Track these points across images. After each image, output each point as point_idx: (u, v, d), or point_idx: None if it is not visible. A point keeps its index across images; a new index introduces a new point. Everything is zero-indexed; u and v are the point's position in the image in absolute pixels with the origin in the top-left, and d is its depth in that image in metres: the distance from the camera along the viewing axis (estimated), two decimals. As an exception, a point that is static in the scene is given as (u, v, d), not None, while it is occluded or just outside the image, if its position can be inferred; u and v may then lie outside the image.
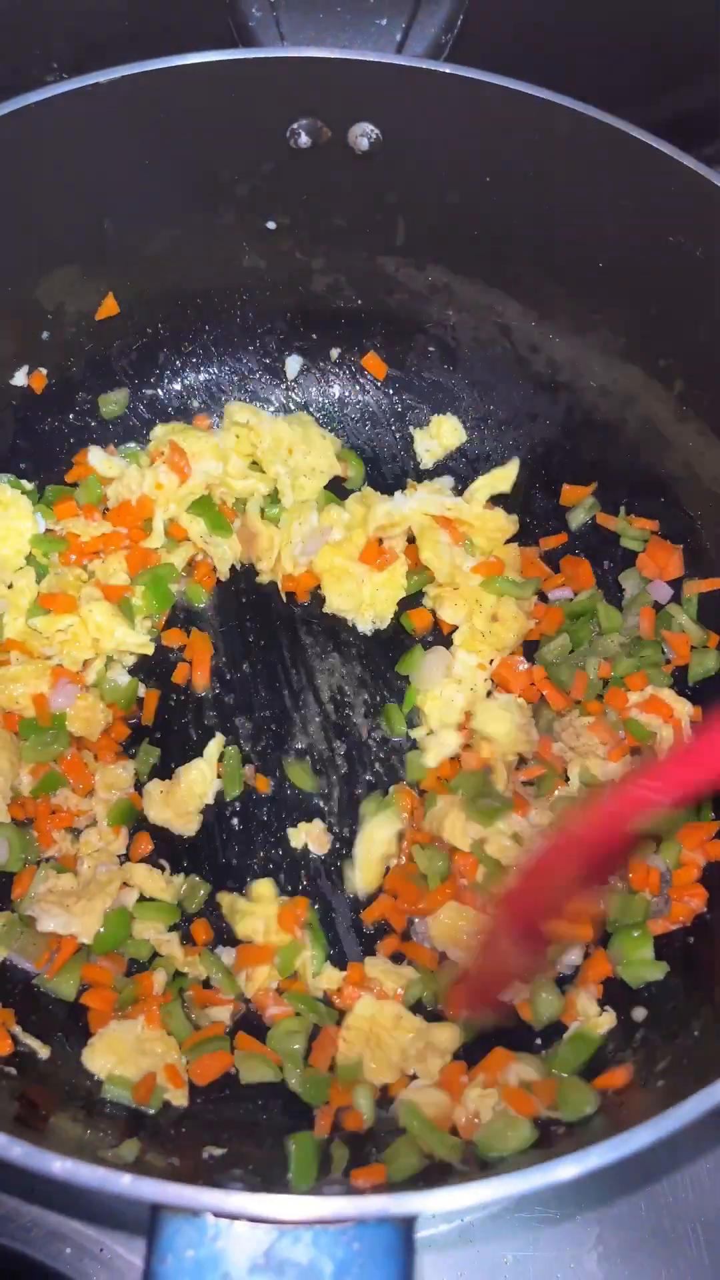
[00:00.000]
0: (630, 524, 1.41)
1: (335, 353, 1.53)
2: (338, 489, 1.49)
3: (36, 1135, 0.74)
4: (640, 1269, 1.12)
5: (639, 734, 1.26)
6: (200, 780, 1.27)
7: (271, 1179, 0.88)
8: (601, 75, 1.25)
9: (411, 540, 1.43)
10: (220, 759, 1.31)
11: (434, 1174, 0.91)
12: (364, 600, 1.41)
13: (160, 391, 1.51)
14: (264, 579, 1.44)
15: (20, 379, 1.40)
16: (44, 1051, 1.08)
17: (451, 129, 1.27)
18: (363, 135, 1.29)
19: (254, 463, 1.46)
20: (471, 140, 1.27)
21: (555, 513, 1.47)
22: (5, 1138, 0.73)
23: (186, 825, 1.27)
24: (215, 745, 1.31)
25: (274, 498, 1.46)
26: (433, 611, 1.42)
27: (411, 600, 1.43)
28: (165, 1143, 0.98)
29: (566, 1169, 0.74)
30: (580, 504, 1.45)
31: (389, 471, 1.52)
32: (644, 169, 1.19)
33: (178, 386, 1.52)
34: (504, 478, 1.46)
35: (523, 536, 1.44)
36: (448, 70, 1.23)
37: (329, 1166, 0.94)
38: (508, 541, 1.43)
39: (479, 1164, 0.92)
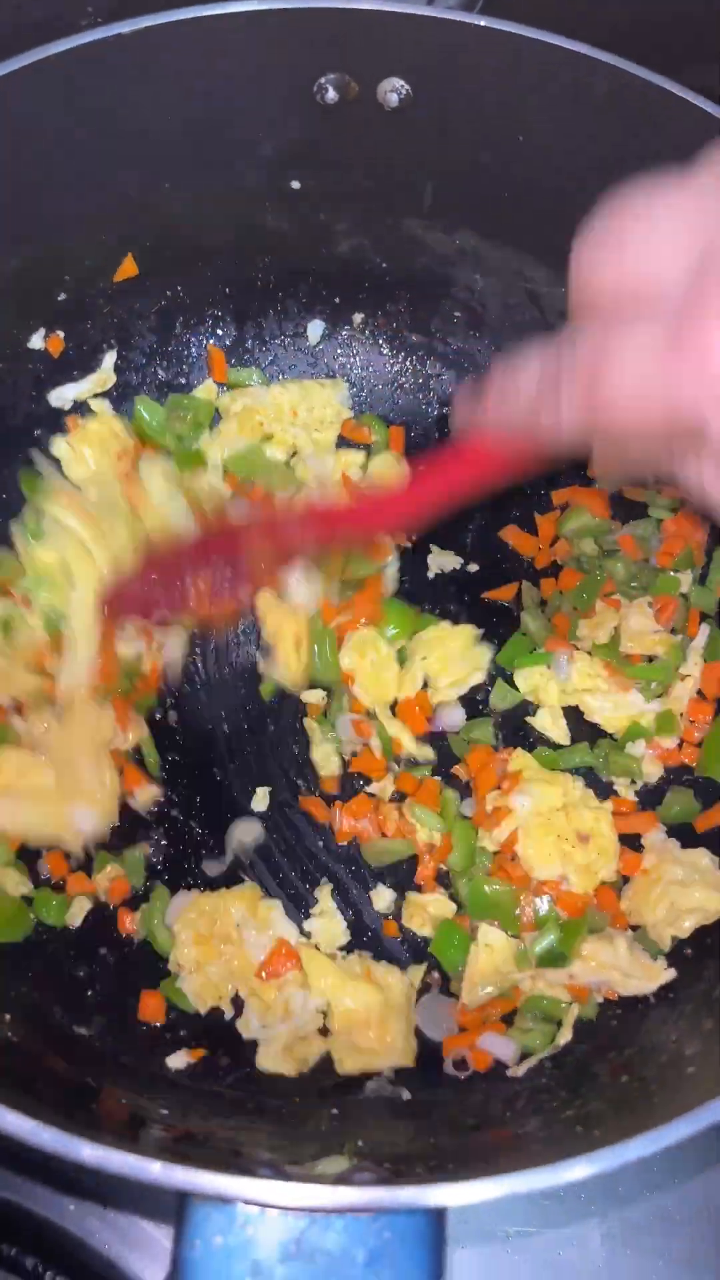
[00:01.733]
0: (659, 494, 1.39)
1: (359, 318, 1.50)
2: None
3: (67, 1120, 0.73)
4: (644, 1250, 1.12)
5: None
6: None
7: (300, 1161, 0.87)
8: (647, 33, 1.20)
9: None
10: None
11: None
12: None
13: (178, 355, 1.48)
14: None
15: (37, 342, 1.37)
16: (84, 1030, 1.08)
17: (485, 85, 1.22)
18: (392, 91, 1.25)
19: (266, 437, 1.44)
20: (505, 97, 1.23)
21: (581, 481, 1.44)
22: (33, 1123, 0.72)
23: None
24: None
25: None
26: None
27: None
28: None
29: (604, 1160, 0.73)
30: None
31: (415, 441, 1.49)
32: (687, 131, 1.14)
33: (196, 350, 1.49)
34: None
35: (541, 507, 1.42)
36: (482, 23, 1.18)
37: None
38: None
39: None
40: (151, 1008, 1.13)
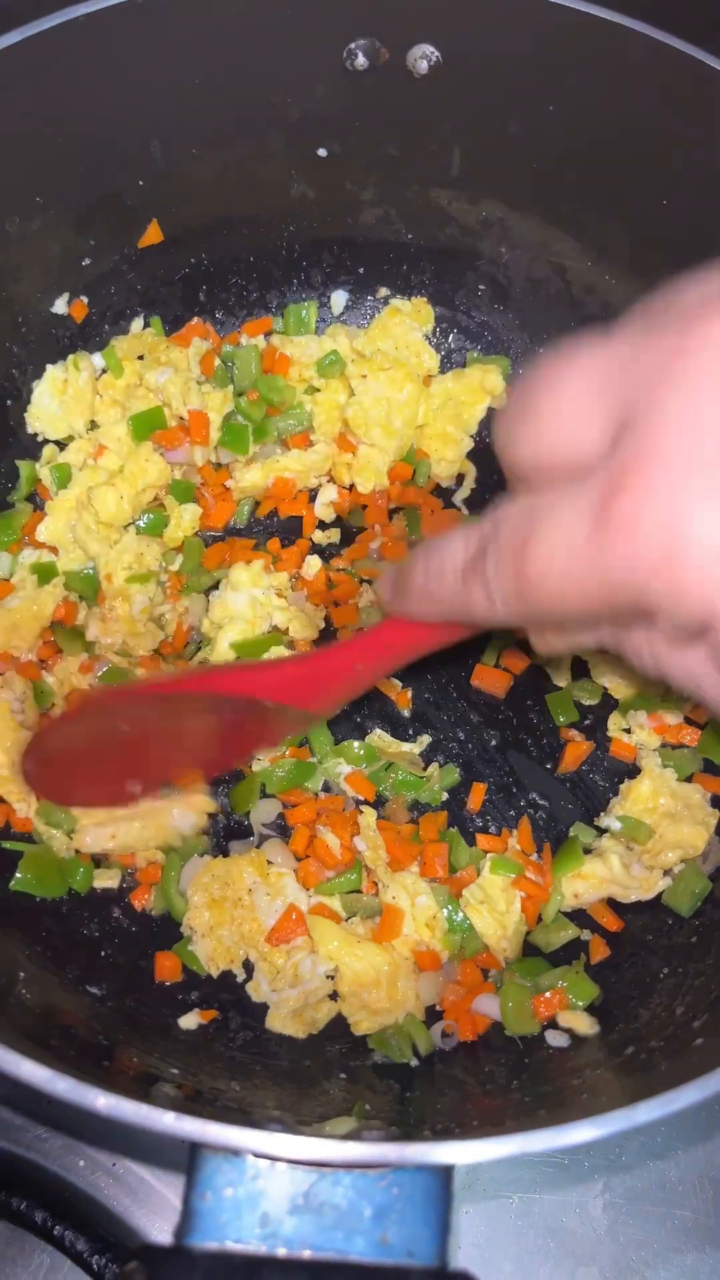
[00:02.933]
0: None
1: (384, 291, 1.49)
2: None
3: (81, 1071, 0.74)
4: (645, 1217, 1.13)
5: None
6: None
7: (309, 1122, 0.88)
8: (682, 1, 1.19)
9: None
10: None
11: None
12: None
13: (201, 322, 1.47)
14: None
15: (60, 307, 1.37)
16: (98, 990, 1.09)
17: (516, 53, 1.21)
18: (422, 57, 1.24)
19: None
20: (537, 66, 1.22)
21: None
22: (48, 1072, 0.73)
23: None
24: None
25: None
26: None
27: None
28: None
29: (612, 1123, 0.73)
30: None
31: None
32: (720, 101, 1.13)
33: (219, 316, 1.49)
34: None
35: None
36: (515, -10, 1.17)
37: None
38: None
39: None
40: (167, 969, 1.15)
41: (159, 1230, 1.08)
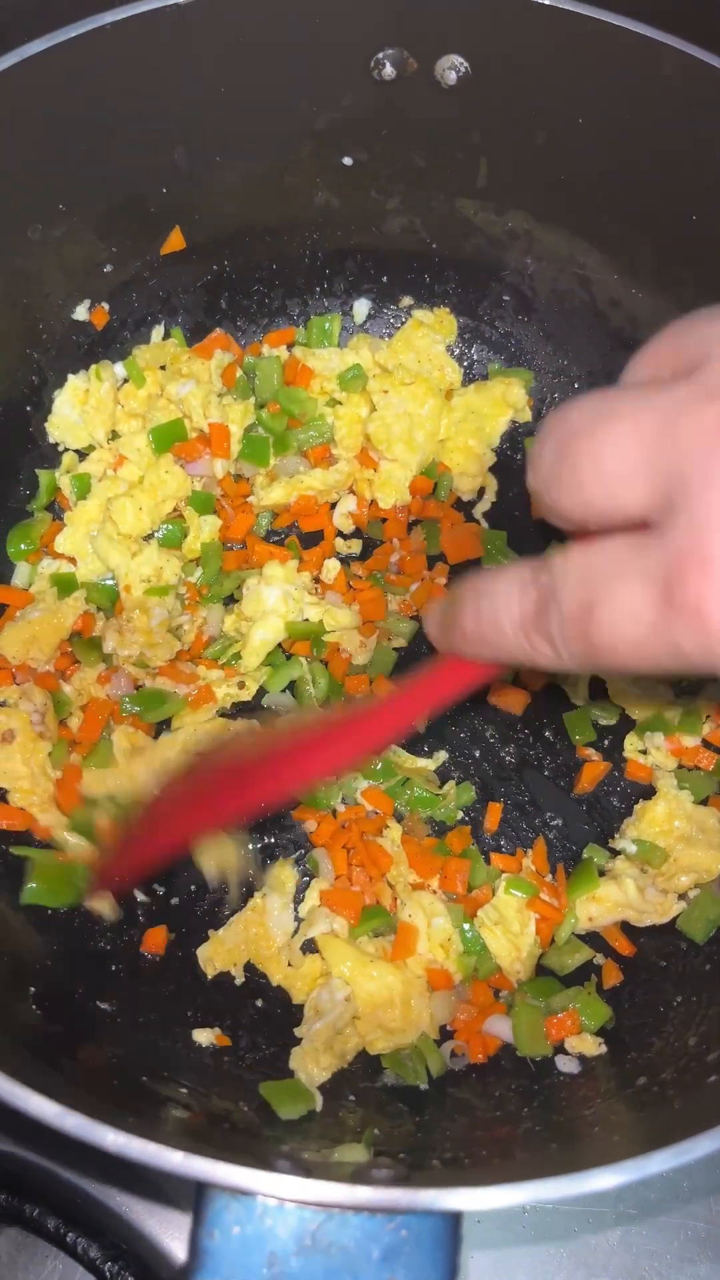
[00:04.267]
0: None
1: (407, 301, 1.48)
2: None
3: (88, 1100, 0.74)
4: (658, 1228, 1.12)
5: None
6: None
7: (319, 1148, 0.88)
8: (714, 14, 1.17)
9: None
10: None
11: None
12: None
13: (224, 330, 1.46)
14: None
15: (81, 314, 1.36)
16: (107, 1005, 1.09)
17: (545, 65, 1.20)
18: (450, 68, 1.22)
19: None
20: (566, 78, 1.20)
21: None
22: (58, 1108, 0.72)
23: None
24: None
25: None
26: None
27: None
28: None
29: (604, 1179, 0.73)
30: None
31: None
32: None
33: (240, 323, 1.48)
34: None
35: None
36: (545, 1, 1.15)
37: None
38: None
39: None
40: (153, 943, 1.17)
41: (171, 1237, 1.08)
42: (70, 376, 1.37)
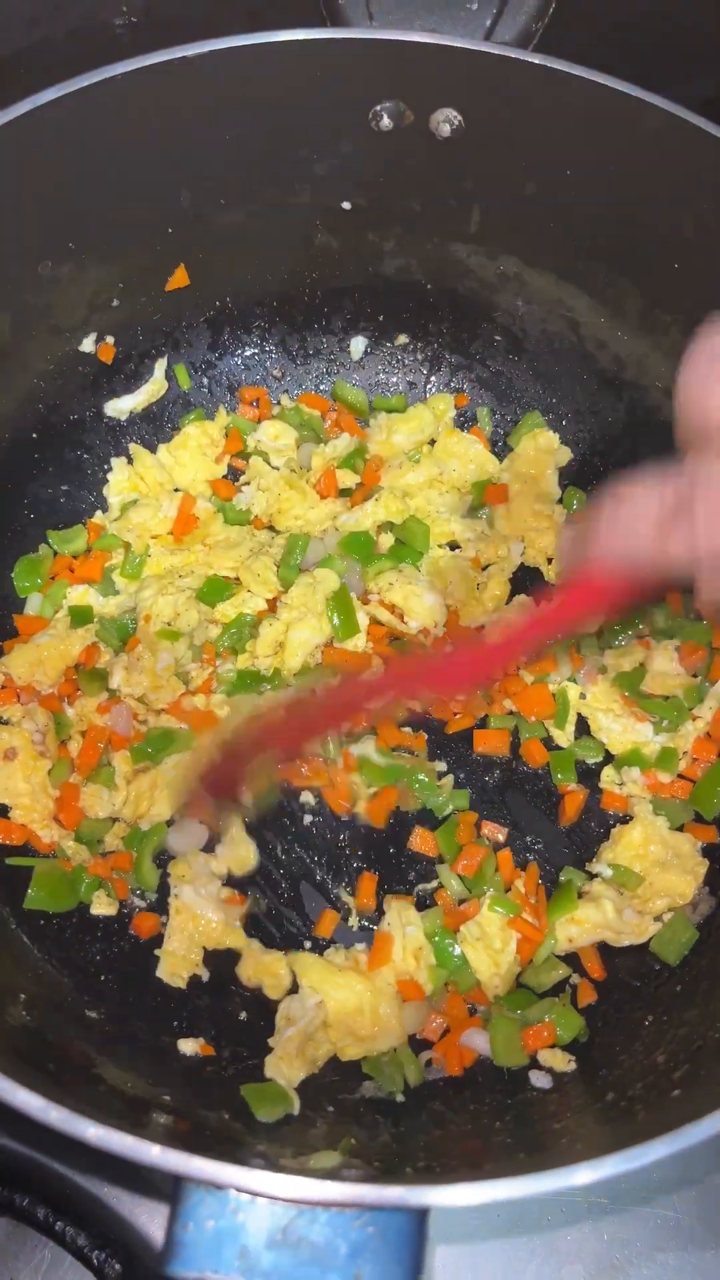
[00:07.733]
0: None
1: (403, 339, 1.53)
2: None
3: (74, 1099, 0.77)
4: (628, 1216, 1.13)
5: None
6: None
7: (295, 1155, 0.91)
8: (697, 74, 1.22)
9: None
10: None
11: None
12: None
13: (223, 365, 1.52)
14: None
15: (89, 346, 1.42)
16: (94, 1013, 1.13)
17: (535, 120, 1.26)
18: (445, 121, 1.28)
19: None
20: (555, 132, 1.26)
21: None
22: (42, 1101, 0.76)
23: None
24: None
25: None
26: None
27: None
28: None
29: (583, 1175, 0.76)
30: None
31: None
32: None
33: (240, 360, 1.53)
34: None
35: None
36: (536, 60, 1.21)
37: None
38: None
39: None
40: (145, 928, 1.22)
41: (157, 1227, 1.09)
42: (114, 459, 1.48)
